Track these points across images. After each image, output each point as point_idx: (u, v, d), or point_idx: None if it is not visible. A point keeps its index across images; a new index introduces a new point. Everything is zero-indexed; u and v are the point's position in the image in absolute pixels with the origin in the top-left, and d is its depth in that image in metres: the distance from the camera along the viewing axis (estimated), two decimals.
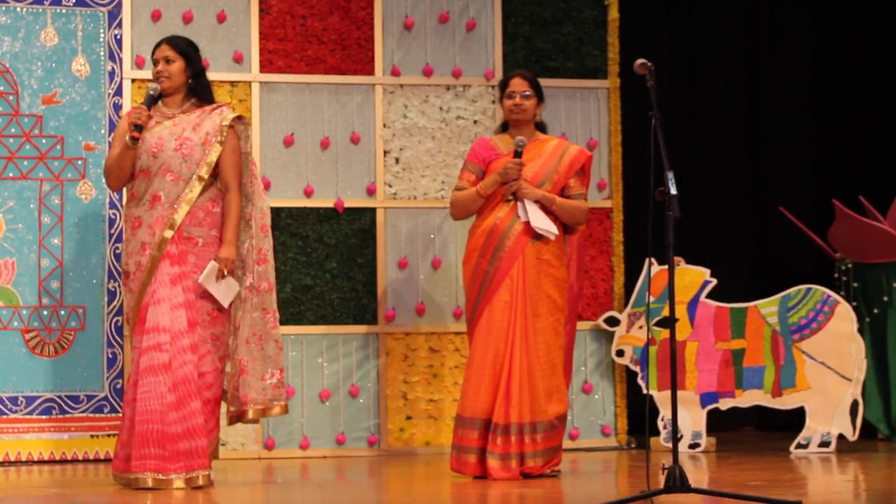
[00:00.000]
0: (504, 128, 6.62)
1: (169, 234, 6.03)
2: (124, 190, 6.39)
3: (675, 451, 5.16)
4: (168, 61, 6.15)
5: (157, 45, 6.22)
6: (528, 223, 6.36)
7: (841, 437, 7.63)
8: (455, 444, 6.36)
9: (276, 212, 7.58)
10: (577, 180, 6.50)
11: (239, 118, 6.22)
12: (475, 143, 6.60)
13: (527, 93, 6.46)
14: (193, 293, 6.06)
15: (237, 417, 6.21)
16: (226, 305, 6.12)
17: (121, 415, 6.64)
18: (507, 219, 6.37)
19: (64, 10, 7.42)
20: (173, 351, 5.96)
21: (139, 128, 6.02)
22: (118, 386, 7.31)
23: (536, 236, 6.38)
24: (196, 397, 5.99)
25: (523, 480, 6.24)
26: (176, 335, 5.98)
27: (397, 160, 7.80)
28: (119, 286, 7.34)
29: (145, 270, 6.03)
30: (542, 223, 6.35)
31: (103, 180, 7.33)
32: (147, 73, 6.99)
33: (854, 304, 8.08)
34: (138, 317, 6.04)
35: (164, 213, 6.06)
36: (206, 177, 6.09)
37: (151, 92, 6.09)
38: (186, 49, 6.21)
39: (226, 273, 6.08)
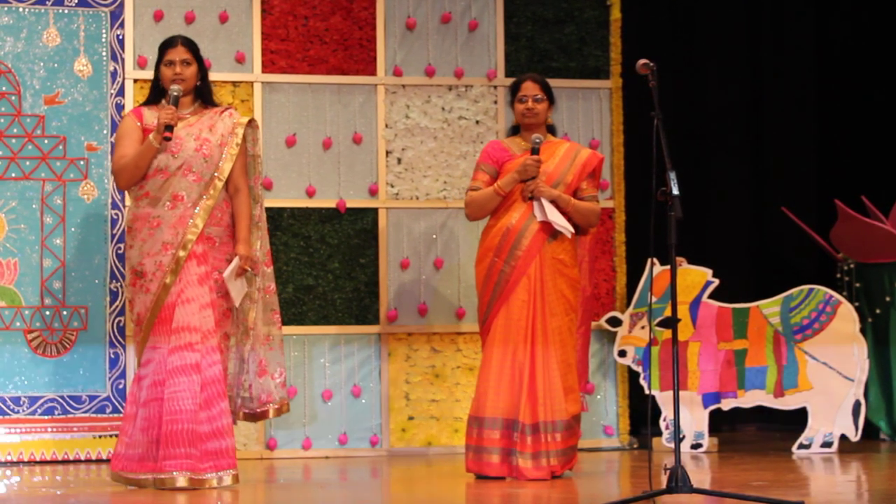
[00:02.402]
0: (514, 131, 6.63)
1: (195, 233, 6.06)
2: (126, 190, 6.38)
3: (677, 451, 5.16)
4: (186, 64, 6.18)
5: (171, 45, 6.20)
6: (544, 223, 6.37)
7: (843, 438, 7.63)
8: (472, 444, 6.33)
9: (279, 212, 7.60)
10: (589, 183, 6.52)
11: (250, 122, 6.30)
12: (487, 145, 6.60)
13: (538, 96, 6.48)
14: (215, 293, 6.11)
15: (258, 416, 6.30)
16: (237, 304, 6.19)
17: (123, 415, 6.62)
18: (523, 219, 6.38)
19: (66, 11, 7.43)
20: (203, 350, 5.98)
21: (170, 128, 6.05)
22: (120, 386, 7.31)
23: (552, 236, 6.38)
24: (224, 397, 6.04)
25: (526, 482, 6.24)
26: (205, 335, 6.00)
27: (399, 160, 7.80)
28: (121, 286, 7.33)
29: (167, 270, 6.03)
30: (560, 219, 6.37)
31: (105, 180, 7.35)
32: (149, 73, 6.95)
33: (856, 304, 8.08)
34: (159, 317, 6.03)
35: (187, 212, 6.08)
36: (225, 178, 6.15)
37: (176, 94, 6.12)
38: (198, 52, 6.27)
39: (248, 270, 6.18)
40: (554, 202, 6.38)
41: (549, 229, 6.39)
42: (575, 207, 6.42)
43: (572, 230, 6.42)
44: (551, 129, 6.60)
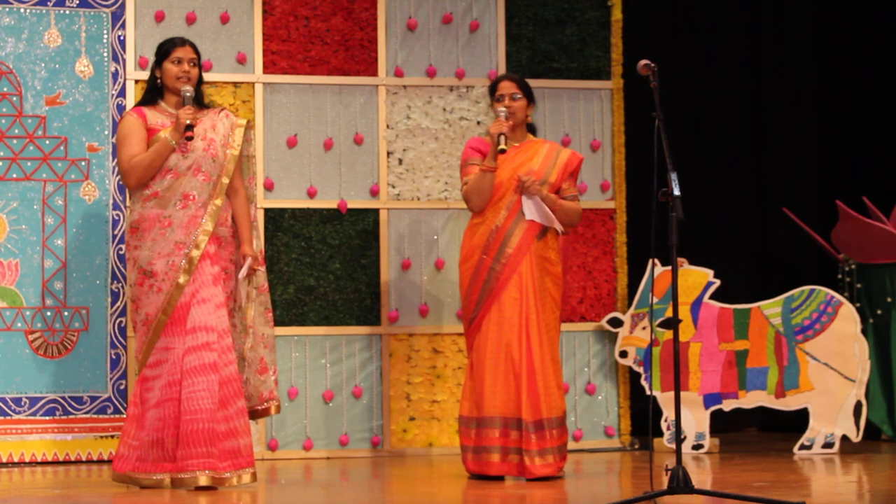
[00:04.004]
0: None
1: (207, 233, 6.08)
2: (134, 190, 6.35)
3: (678, 452, 5.17)
4: (193, 64, 6.22)
5: (180, 45, 6.22)
6: (531, 221, 6.39)
7: (844, 438, 7.63)
8: (470, 445, 6.34)
9: (280, 213, 7.60)
10: (570, 183, 6.56)
11: (247, 124, 6.36)
12: (469, 141, 6.61)
13: (517, 95, 6.50)
14: (225, 293, 6.15)
15: (260, 413, 6.33)
16: (243, 305, 6.24)
17: (125, 415, 6.64)
18: (511, 217, 6.40)
19: (67, 11, 7.43)
20: (219, 350, 6.01)
21: (191, 127, 6.08)
22: (122, 387, 7.31)
23: (539, 235, 6.41)
24: (241, 396, 6.09)
25: (525, 482, 6.24)
26: (221, 334, 6.05)
27: (400, 161, 7.80)
28: (122, 287, 7.33)
29: (180, 270, 6.04)
30: (550, 217, 6.39)
31: (107, 181, 7.36)
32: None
33: (857, 305, 8.08)
34: (172, 317, 6.03)
35: (198, 212, 6.11)
36: (230, 178, 6.20)
37: (189, 94, 6.16)
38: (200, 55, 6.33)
39: (257, 270, 6.28)
40: (543, 201, 6.41)
41: (536, 228, 6.42)
42: (561, 207, 6.46)
43: (562, 228, 6.47)
44: (531, 129, 6.62)
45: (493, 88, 6.59)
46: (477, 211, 6.48)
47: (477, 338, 6.41)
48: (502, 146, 6.32)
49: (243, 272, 6.20)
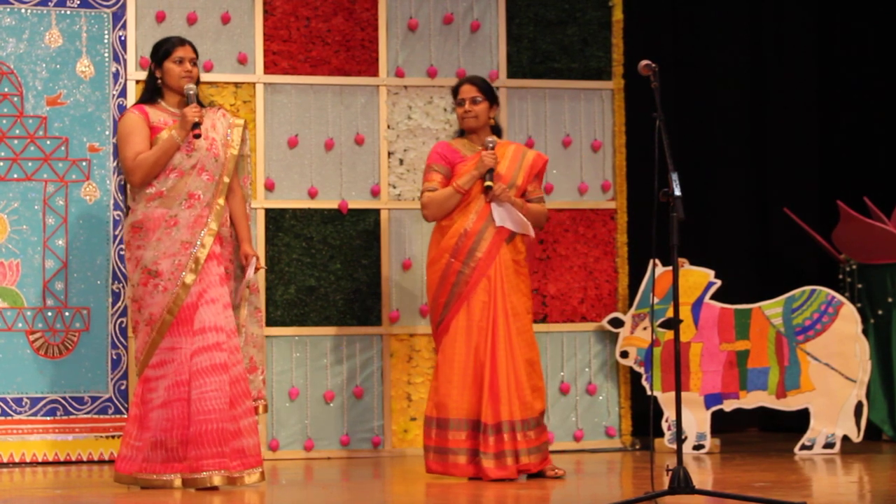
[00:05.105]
0: (461, 134, 6.67)
1: (212, 232, 6.09)
2: (138, 189, 6.33)
3: (679, 452, 5.16)
4: (193, 63, 6.24)
5: (180, 44, 6.22)
6: (501, 226, 6.40)
7: (845, 439, 7.63)
8: (433, 446, 6.38)
9: (281, 213, 7.60)
10: (536, 185, 6.58)
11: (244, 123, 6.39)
12: (436, 146, 6.63)
13: (477, 98, 6.52)
14: (230, 293, 6.15)
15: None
16: (239, 304, 6.27)
17: (126, 416, 6.63)
18: (480, 221, 6.43)
19: (68, 12, 7.43)
20: (229, 350, 6.01)
21: (197, 125, 6.07)
22: (122, 387, 7.31)
23: (509, 238, 6.44)
24: (249, 396, 6.10)
25: (526, 481, 6.25)
26: (230, 334, 6.06)
27: (401, 161, 7.80)
28: (123, 287, 7.33)
29: (186, 269, 6.04)
30: (521, 222, 6.42)
31: (107, 181, 7.36)
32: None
33: (858, 305, 8.07)
34: (178, 317, 6.02)
35: (203, 212, 6.12)
36: (231, 178, 6.21)
37: (193, 93, 6.16)
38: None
39: (261, 268, 6.38)
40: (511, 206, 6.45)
41: (505, 232, 6.45)
42: (529, 211, 6.49)
43: (533, 233, 6.49)
44: (497, 130, 6.64)
45: (454, 91, 6.61)
46: (431, 221, 6.52)
47: (444, 340, 6.43)
48: (489, 183, 6.35)
49: (250, 273, 6.21)
